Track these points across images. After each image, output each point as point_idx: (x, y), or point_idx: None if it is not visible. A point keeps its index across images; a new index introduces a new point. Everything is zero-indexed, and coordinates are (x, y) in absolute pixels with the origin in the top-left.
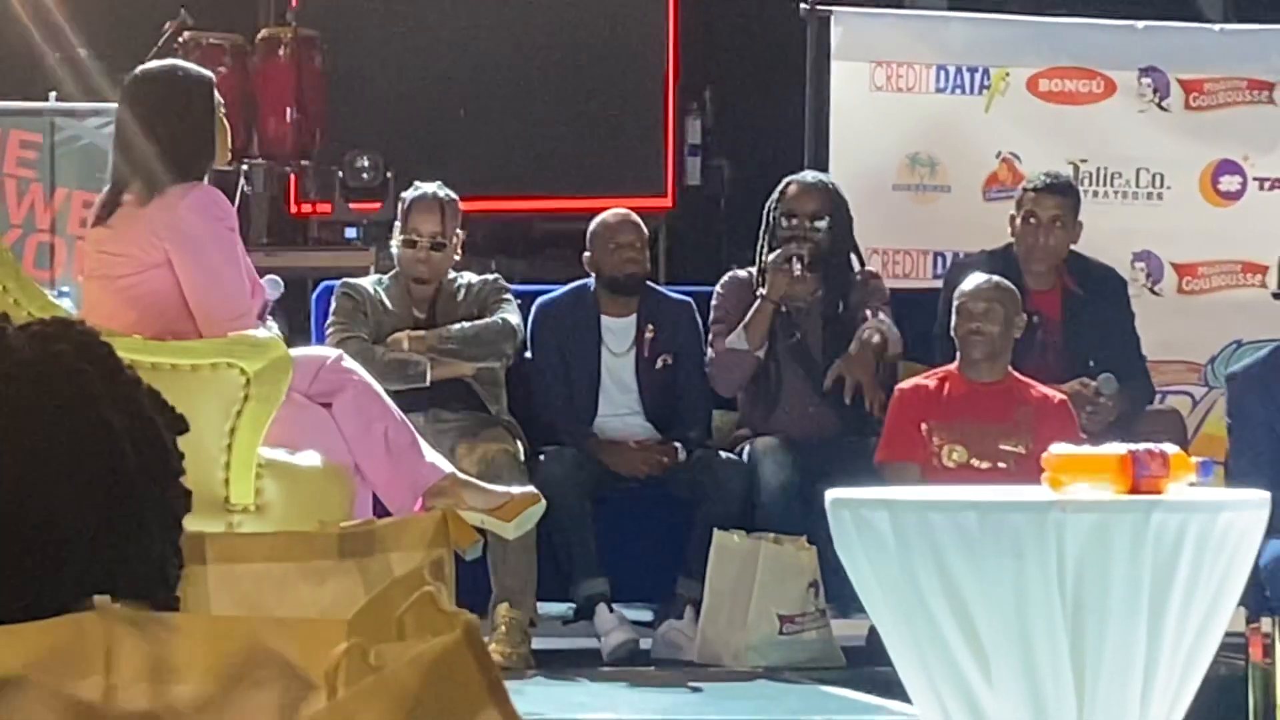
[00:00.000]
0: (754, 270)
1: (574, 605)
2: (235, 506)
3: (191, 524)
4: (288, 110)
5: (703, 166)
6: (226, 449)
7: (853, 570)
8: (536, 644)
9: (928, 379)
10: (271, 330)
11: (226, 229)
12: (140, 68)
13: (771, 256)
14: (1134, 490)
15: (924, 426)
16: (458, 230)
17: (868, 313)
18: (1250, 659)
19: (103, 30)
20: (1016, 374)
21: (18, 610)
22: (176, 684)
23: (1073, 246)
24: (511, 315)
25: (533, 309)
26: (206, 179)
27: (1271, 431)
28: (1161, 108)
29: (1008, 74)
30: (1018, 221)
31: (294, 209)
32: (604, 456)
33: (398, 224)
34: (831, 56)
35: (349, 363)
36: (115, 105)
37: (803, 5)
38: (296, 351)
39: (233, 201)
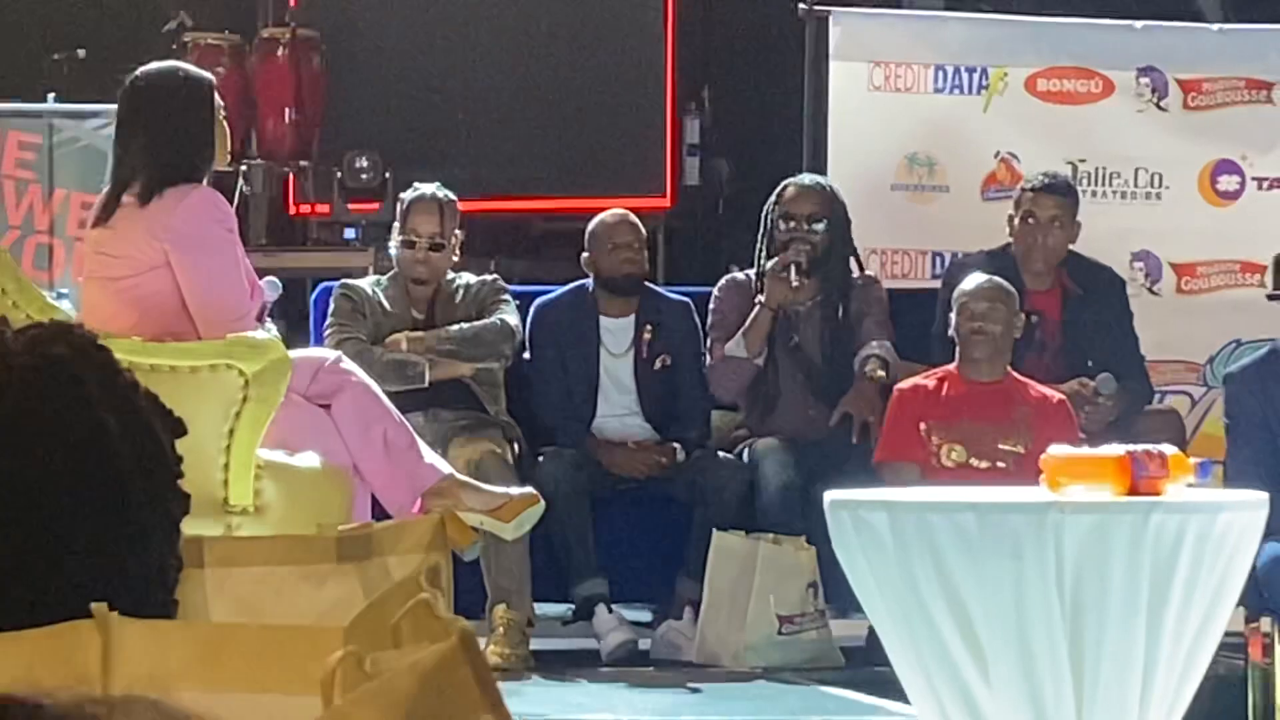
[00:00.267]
0: (752, 273)
1: (573, 606)
2: (234, 508)
3: (190, 525)
4: (286, 111)
5: (701, 166)
6: (225, 450)
7: (851, 571)
8: (535, 645)
9: (926, 379)
10: (270, 332)
11: (226, 231)
12: (141, 69)
13: (770, 264)
14: (1133, 491)
15: (923, 426)
16: (456, 231)
17: (874, 343)
18: (1249, 659)
19: (102, 31)
20: (1015, 374)
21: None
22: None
23: (1071, 246)
24: (510, 316)
25: (531, 310)
26: (206, 181)
27: (1269, 432)
28: (1160, 107)
29: (1006, 74)
30: (1016, 221)
31: (293, 210)
32: (603, 457)
33: (396, 225)
34: (830, 56)
35: (348, 364)
36: (114, 106)
37: (801, 5)
38: (295, 353)
39: (231, 202)
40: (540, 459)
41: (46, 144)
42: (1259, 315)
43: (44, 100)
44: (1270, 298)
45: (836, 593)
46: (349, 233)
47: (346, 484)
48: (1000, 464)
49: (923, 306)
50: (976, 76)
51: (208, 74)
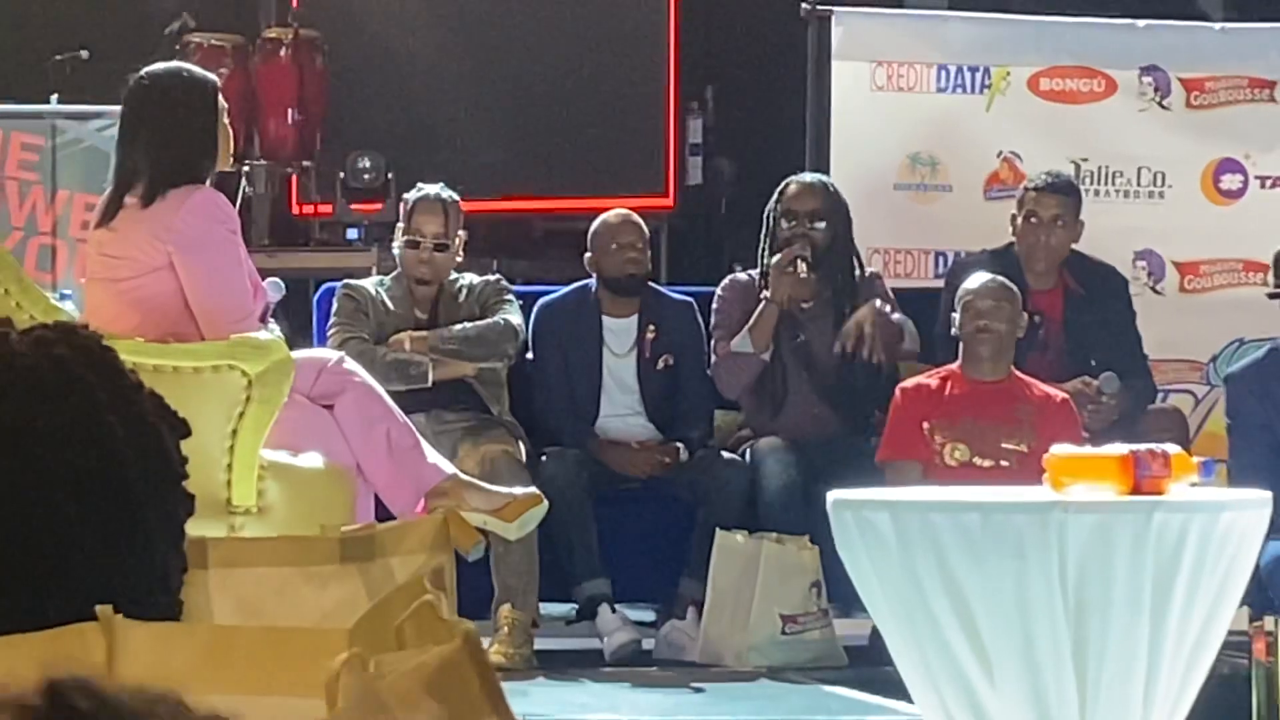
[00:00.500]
0: (754, 273)
1: (576, 606)
2: (238, 508)
3: (194, 526)
4: (289, 111)
5: (704, 166)
6: (229, 451)
7: (855, 571)
8: (539, 644)
9: (929, 378)
10: (273, 332)
11: (228, 232)
12: (144, 70)
13: (774, 259)
14: (1136, 490)
15: (926, 425)
16: (460, 231)
17: (875, 303)
18: (1253, 658)
19: (104, 31)
20: (1018, 373)
21: (19, 619)
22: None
23: (1074, 246)
24: (513, 315)
25: (534, 310)
26: (208, 182)
27: (1271, 433)
28: (1162, 106)
29: (1008, 73)
30: (1019, 221)
31: (295, 210)
32: (606, 457)
33: (400, 225)
34: (832, 56)
35: (350, 364)
36: (117, 108)
37: (803, 5)
38: (298, 353)
39: (234, 202)
40: (543, 459)
41: (49, 145)
42: (1262, 314)
43: (47, 101)
44: (1271, 296)
45: (840, 592)
46: (352, 233)
47: (350, 484)
48: (1003, 463)
49: (926, 306)
50: (979, 76)
51: (211, 75)
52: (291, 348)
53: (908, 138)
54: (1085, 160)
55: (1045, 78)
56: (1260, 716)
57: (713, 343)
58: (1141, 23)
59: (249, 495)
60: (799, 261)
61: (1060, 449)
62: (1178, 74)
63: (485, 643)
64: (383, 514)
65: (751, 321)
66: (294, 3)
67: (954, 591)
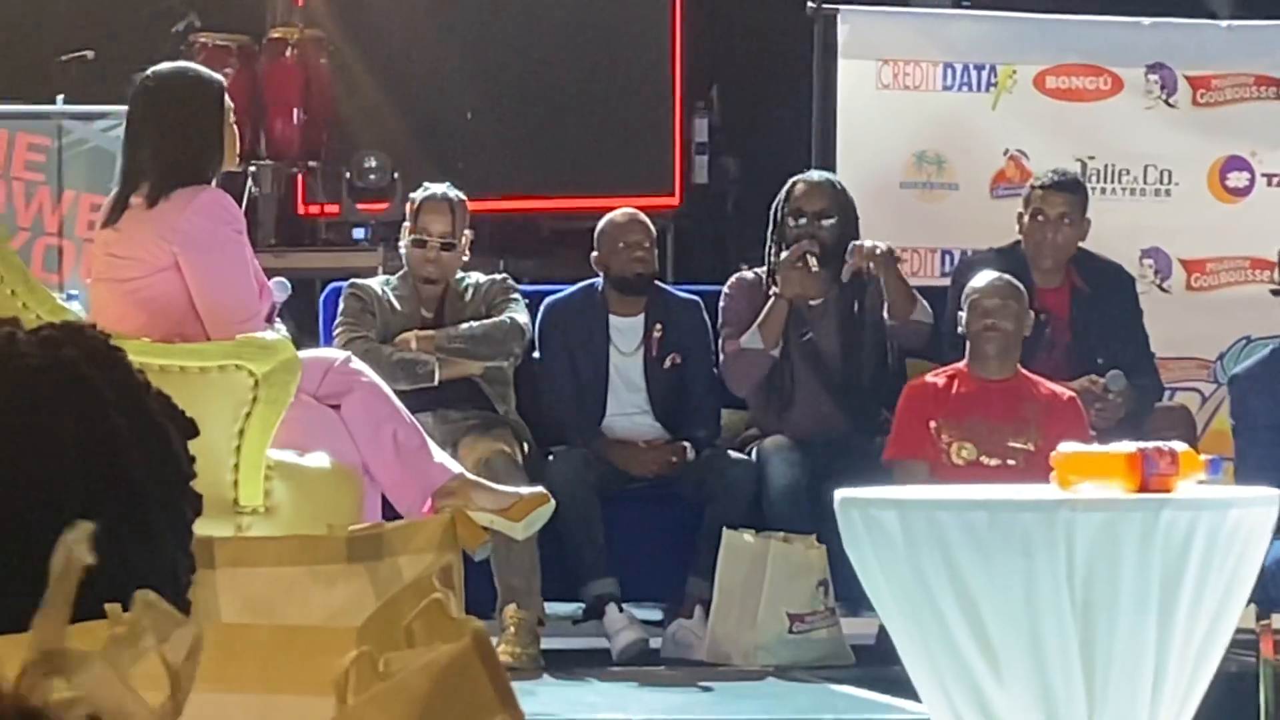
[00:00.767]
0: (761, 271)
1: (583, 605)
2: (244, 508)
3: (201, 526)
4: (295, 111)
5: (710, 165)
6: (235, 451)
7: (862, 569)
8: (546, 644)
9: (936, 377)
10: (280, 332)
11: (234, 232)
12: (150, 70)
13: (784, 255)
14: (1143, 488)
15: (932, 424)
16: (466, 230)
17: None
18: (1261, 656)
19: (110, 32)
20: (1025, 371)
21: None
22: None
23: (1081, 244)
24: (519, 314)
25: (541, 308)
26: (214, 182)
27: (1276, 431)
28: (1169, 104)
29: (1015, 71)
30: (1025, 219)
31: (302, 210)
32: (613, 456)
33: (406, 224)
34: (838, 54)
35: (357, 364)
36: (123, 108)
37: (809, 4)
38: (305, 353)
39: (240, 202)
40: (550, 458)
41: (55, 145)
42: (1268, 311)
43: (53, 102)
44: (1274, 292)
45: (847, 591)
46: (358, 233)
47: (356, 484)
48: (1010, 462)
49: (932, 304)
50: (985, 74)
51: (218, 75)
52: (298, 347)
53: (914, 136)
54: (1092, 158)
55: (1051, 76)
56: (1268, 714)
57: (720, 341)
58: (1148, 21)
59: (256, 495)
60: (808, 256)
61: (1067, 447)
62: (1184, 72)
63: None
64: (390, 514)
65: (761, 317)
66: (299, 2)
67: (961, 590)
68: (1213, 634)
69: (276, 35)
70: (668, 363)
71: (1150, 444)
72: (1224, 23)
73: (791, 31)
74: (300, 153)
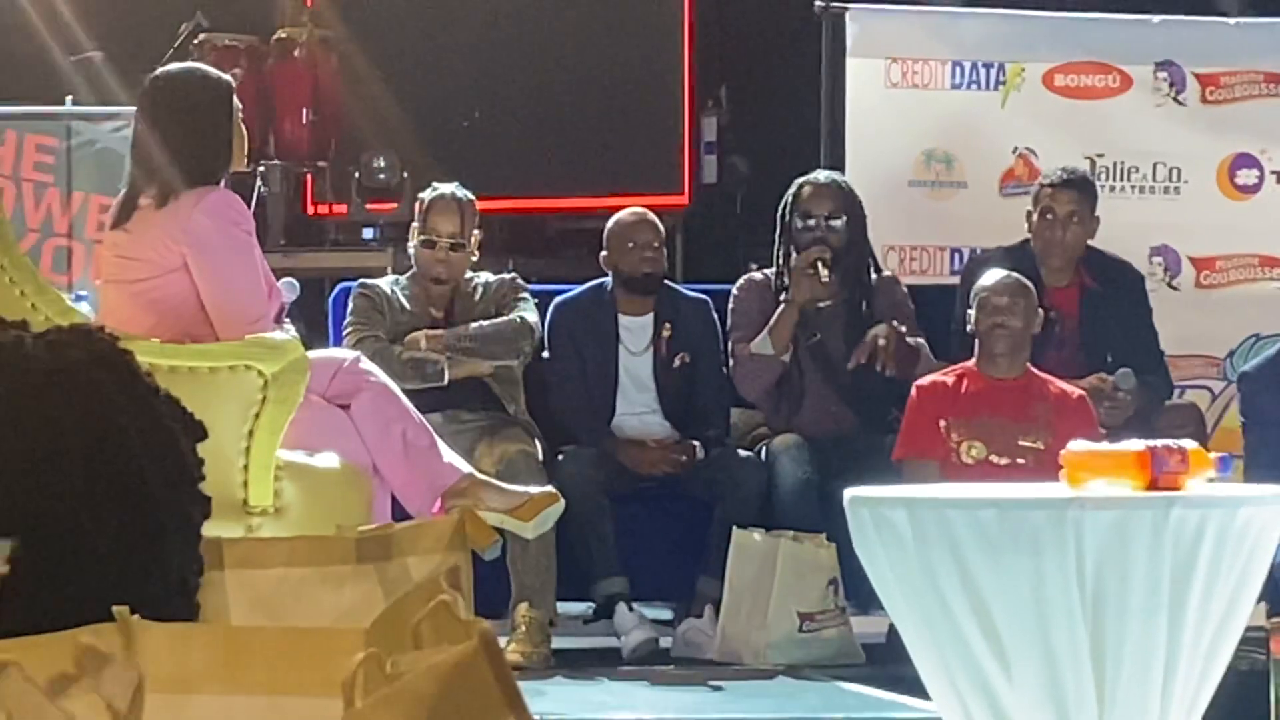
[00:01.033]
0: (770, 272)
1: (594, 604)
2: (254, 509)
3: (210, 527)
4: (304, 111)
5: (719, 164)
6: (245, 451)
7: (871, 568)
8: (556, 643)
9: (946, 376)
10: (289, 333)
11: (243, 233)
12: (159, 71)
13: (795, 260)
14: (1153, 486)
15: (942, 423)
16: (475, 230)
17: (894, 322)
18: (1271, 654)
19: (118, 33)
20: (1035, 370)
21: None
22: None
23: (1090, 242)
24: (529, 314)
25: (550, 308)
26: (223, 183)
27: None
28: (1178, 102)
29: (1023, 69)
30: (1034, 217)
31: (311, 210)
32: (622, 455)
33: (415, 224)
34: (847, 53)
35: (366, 364)
36: (132, 109)
37: (817, 3)
38: (314, 353)
39: (249, 203)
40: (560, 458)
41: (64, 147)
42: (1278, 309)
43: (62, 103)
44: None
45: (857, 589)
46: (367, 233)
47: (366, 484)
48: (1020, 460)
49: (941, 303)
50: (994, 72)
51: (226, 76)
52: (307, 348)
53: (923, 134)
54: (1101, 156)
55: (1060, 74)
56: (1277, 713)
57: (730, 344)
58: (1157, 18)
59: (265, 496)
60: (819, 264)
61: (1077, 445)
62: (1193, 69)
63: (502, 642)
64: (400, 514)
65: (771, 323)
66: (308, 3)
67: (971, 588)
68: (1223, 632)
69: (285, 35)
70: (677, 362)
71: (1160, 442)
72: (1233, 20)
73: (800, 31)
74: (309, 153)
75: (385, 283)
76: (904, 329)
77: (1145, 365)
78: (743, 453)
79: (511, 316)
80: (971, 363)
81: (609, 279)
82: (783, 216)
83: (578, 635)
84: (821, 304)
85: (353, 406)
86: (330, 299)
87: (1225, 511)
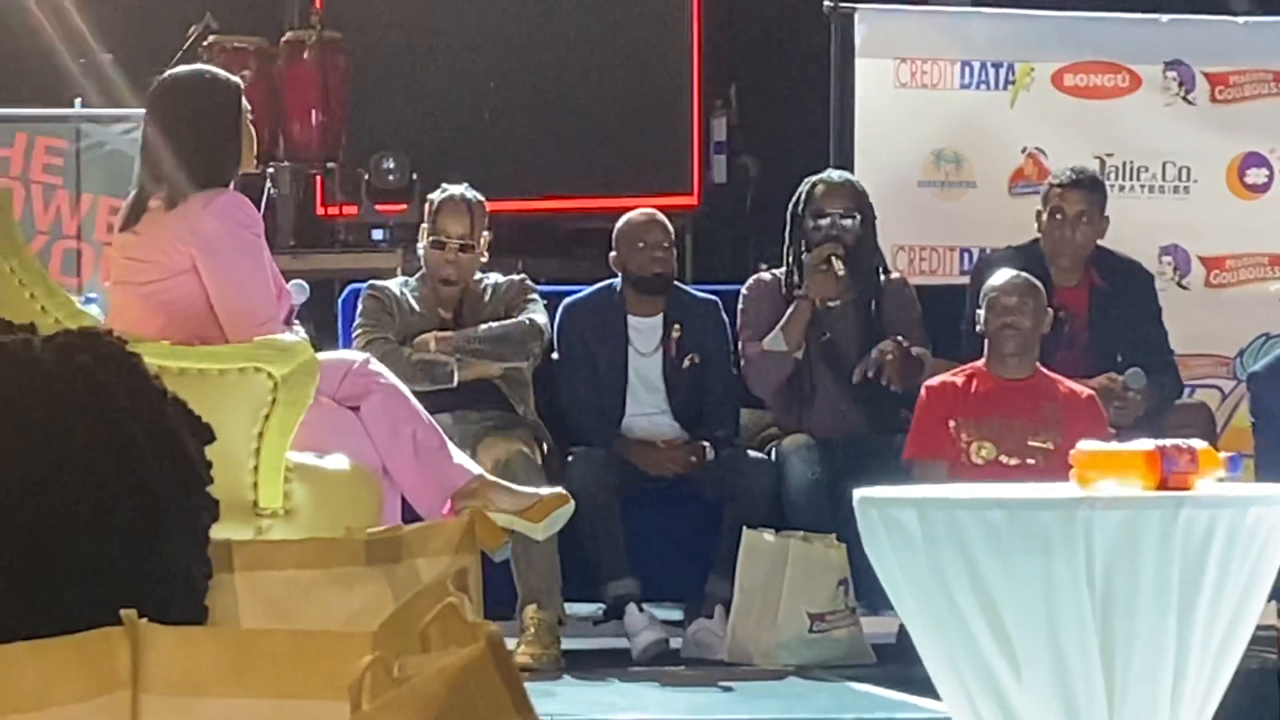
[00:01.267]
0: (779, 272)
1: (604, 605)
2: (264, 510)
3: (220, 529)
4: (313, 113)
5: (728, 165)
6: (255, 453)
7: (881, 569)
8: (566, 644)
9: (955, 376)
10: (298, 334)
11: (252, 235)
12: (167, 73)
13: (809, 257)
14: (1162, 486)
15: (952, 424)
16: (485, 231)
17: (899, 338)
18: None
19: (127, 35)
20: (1044, 370)
21: (45, 625)
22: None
23: (1099, 241)
24: (538, 315)
25: (559, 309)
26: (232, 184)
27: None
28: (1187, 101)
29: (1032, 69)
30: (1044, 218)
31: (320, 211)
32: (632, 456)
33: (425, 226)
34: (856, 53)
35: (376, 366)
36: (140, 111)
37: (826, 3)
38: (324, 355)
39: (259, 204)
40: (569, 459)
41: (73, 149)
42: None
43: (71, 105)
44: None
45: (867, 590)
46: (377, 234)
47: (376, 486)
48: (1030, 460)
49: (951, 303)
50: (1003, 72)
51: (235, 78)
52: (317, 349)
53: (932, 134)
54: (1110, 156)
55: (1069, 73)
56: None
57: (740, 344)
58: (1165, 17)
59: (275, 497)
60: (833, 259)
61: (1086, 445)
62: (1202, 69)
63: (512, 644)
64: (410, 515)
65: (784, 320)
66: (317, 4)
67: (980, 589)
68: (1233, 631)
69: (293, 37)
70: (686, 363)
71: (1169, 442)
72: (1242, 19)
73: (809, 31)
74: (318, 154)
75: (395, 284)
76: (908, 343)
77: (1155, 365)
78: (752, 453)
79: (521, 318)
80: (981, 363)
81: (618, 280)
82: (794, 215)
83: (588, 636)
84: (832, 303)
85: (362, 408)
86: (340, 300)
87: (1235, 511)
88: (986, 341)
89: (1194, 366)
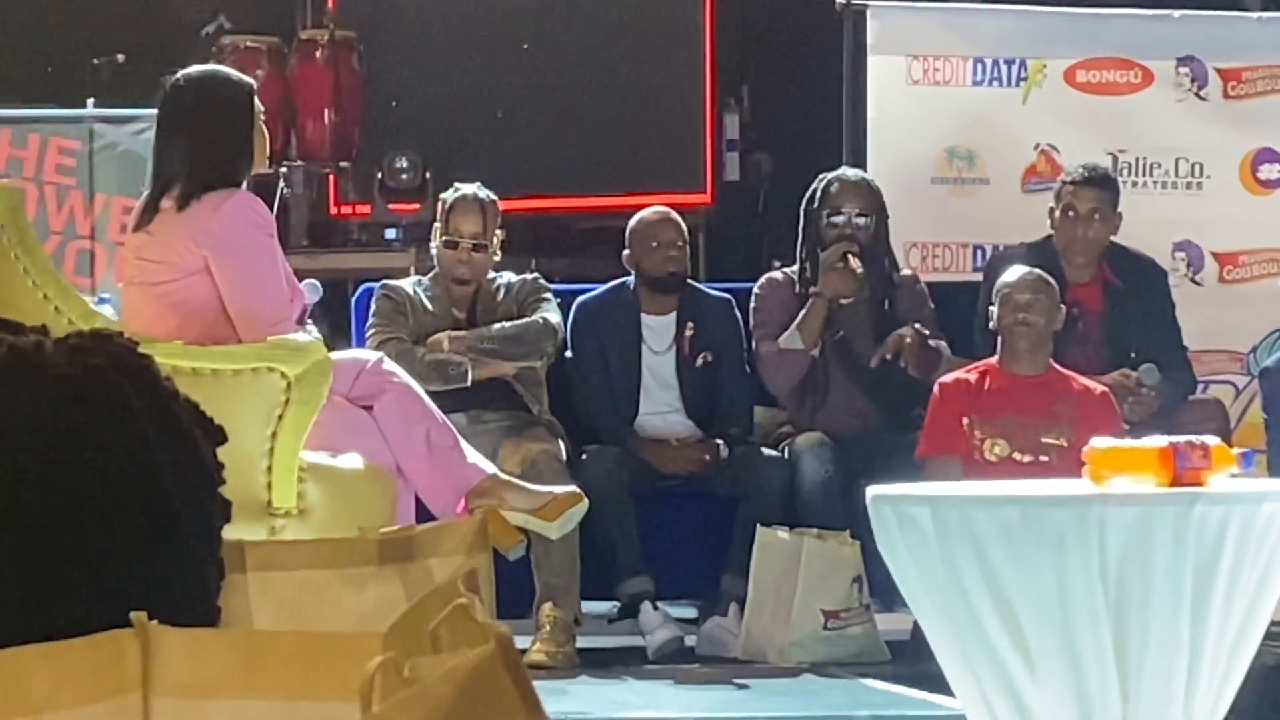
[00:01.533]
0: (791, 270)
1: (618, 604)
2: (278, 510)
3: (234, 529)
4: (326, 112)
5: (741, 162)
6: (268, 453)
7: (895, 566)
8: (581, 643)
9: (968, 373)
10: (312, 334)
11: (265, 235)
12: (180, 73)
13: (824, 254)
14: (1176, 483)
15: (965, 420)
16: (498, 230)
17: (917, 325)
18: None
19: (140, 35)
20: (1058, 366)
21: (55, 627)
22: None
23: (1112, 238)
24: (551, 314)
25: (572, 308)
26: (245, 184)
27: None
28: (1200, 97)
29: (1045, 65)
30: (1057, 214)
31: (334, 211)
32: (646, 455)
33: (438, 225)
34: (868, 50)
35: (389, 365)
36: (153, 111)
37: (839, 0)
38: (337, 355)
39: (272, 204)
40: (583, 457)
41: (86, 149)
42: None
43: (84, 105)
44: None
45: (881, 587)
46: (390, 233)
47: (390, 485)
48: (1043, 457)
49: (964, 300)
50: (1015, 68)
51: (247, 78)
52: (330, 349)
53: (945, 131)
54: (1123, 152)
55: (1082, 70)
56: None
57: (754, 343)
58: (1178, 13)
59: (289, 497)
60: (849, 256)
61: (1100, 442)
62: (1214, 64)
63: (528, 641)
64: (423, 514)
65: (800, 317)
66: (330, 3)
67: (994, 586)
68: (1247, 627)
69: (306, 37)
70: (700, 361)
71: (1183, 438)
72: (1254, 15)
73: (822, 28)
74: (331, 153)
75: (408, 284)
76: (926, 332)
77: (1168, 361)
78: (766, 451)
79: (534, 317)
80: (994, 360)
81: (631, 278)
82: (807, 212)
83: (603, 634)
84: (845, 300)
85: (376, 407)
86: (353, 300)
87: (1248, 507)
88: (1000, 338)
89: (1207, 362)
